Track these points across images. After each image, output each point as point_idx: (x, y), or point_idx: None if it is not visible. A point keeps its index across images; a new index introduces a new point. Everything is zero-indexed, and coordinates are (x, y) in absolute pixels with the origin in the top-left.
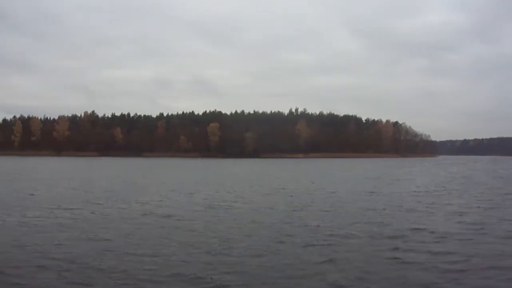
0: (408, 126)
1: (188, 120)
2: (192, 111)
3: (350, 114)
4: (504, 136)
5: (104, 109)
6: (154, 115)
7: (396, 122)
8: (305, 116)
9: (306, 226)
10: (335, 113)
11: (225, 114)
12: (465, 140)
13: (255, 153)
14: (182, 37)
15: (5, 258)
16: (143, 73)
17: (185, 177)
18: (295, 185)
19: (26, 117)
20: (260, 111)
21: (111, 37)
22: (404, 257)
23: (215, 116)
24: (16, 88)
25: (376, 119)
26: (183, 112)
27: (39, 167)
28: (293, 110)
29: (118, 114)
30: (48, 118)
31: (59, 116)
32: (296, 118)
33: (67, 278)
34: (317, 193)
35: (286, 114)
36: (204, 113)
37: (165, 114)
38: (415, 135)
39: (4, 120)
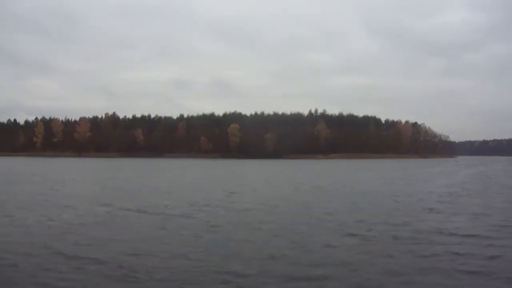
0: (427, 127)
1: (208, 121)
2: (212, 112)
3: (369, 115)
4: None
5: (125, 111)
6: (174, 116)
7: (416, 123)
8: (324, 117)
9: (328, 227)
10: (355, 114)
11: (245, 115)
12: (484, 140)
13: (275, 154)
14: (202, 38)
15: (37, 261)
16: (163, 74)
17: (208, 178)
18: (316, 186)
19: (48, 118)
20: (280, 112)
21: (131, 38)
22: (427, 258)
23: (235, 117)
24: (38, 89)
25: (395, 120)
26: (203, 113)
27: (61, 167)
28: (313, 111)
29: (139, 115)
30: (70, 119)
31: (80, 118)
32: (315, 119)
33: (100, 280)
34: (338, 194)
35: (305, 115)
36: (224, 114)
37: (185, 115)
38: (434, 135)
39: (26, 121)
